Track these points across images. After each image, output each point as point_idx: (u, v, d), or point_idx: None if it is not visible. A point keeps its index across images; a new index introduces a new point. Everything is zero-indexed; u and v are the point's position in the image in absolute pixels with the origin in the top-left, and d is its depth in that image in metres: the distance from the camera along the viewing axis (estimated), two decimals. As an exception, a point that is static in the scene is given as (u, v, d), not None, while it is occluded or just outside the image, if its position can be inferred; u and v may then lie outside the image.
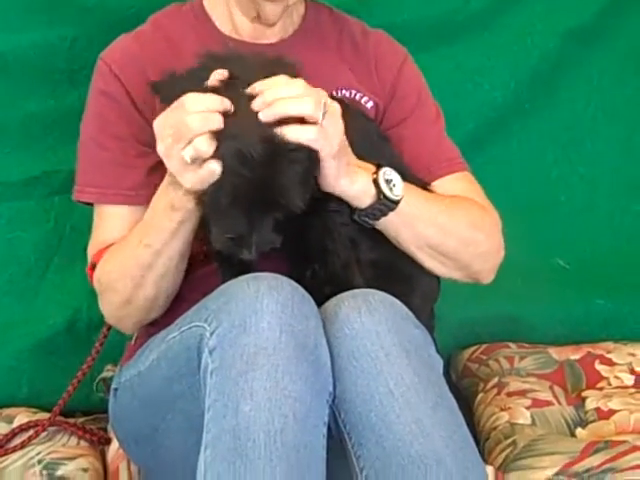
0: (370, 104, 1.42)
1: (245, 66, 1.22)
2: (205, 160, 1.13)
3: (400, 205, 1.28)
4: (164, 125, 1.17)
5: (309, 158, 1.16)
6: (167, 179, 1.23)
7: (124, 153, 1.35)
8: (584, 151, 1.84)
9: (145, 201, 1.32)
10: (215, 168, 1.13)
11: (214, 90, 1.17)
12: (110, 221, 1.37)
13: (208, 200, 1.17)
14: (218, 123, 1.13)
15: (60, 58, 1.64)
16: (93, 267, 1.37)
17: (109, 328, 1.47)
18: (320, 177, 1.21)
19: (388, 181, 1.27)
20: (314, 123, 1.15)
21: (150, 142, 1.22)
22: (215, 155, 1.13)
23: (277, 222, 1.17)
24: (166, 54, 1.37)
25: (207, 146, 1.13)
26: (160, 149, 1.18)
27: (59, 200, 1.67)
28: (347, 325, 1.17)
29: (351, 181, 1.24)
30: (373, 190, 1.26)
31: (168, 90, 1.21)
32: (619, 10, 1.80)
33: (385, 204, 1.27)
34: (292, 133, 1.14)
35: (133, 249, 1.30)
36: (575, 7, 1.78)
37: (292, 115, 1.14)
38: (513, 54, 1.78)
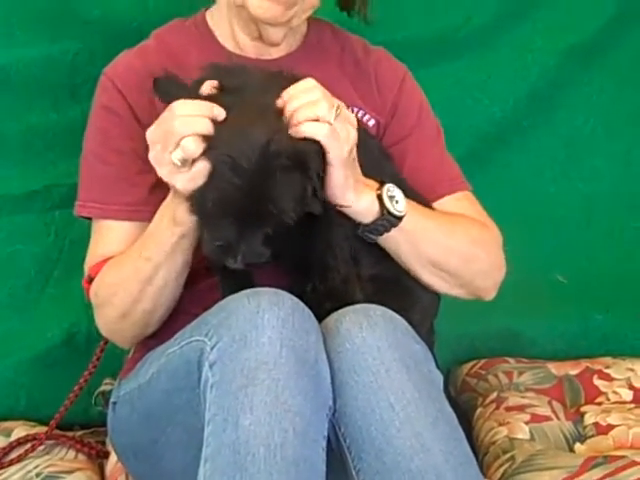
0: (372, 122, 1.43)
1: (247, 77, 1.23)
2: (195, 161, 1.14)
3: (402, 222, 1.28)
4: (154, 132, 1.19)
5: (304, 170, 1.16)
6: (171, 194, 1.24)
7: (126, 168, 1.36)
8: (583, 167, 1.85)
9: (146, 218, 1.32)
10: (204, 166, 1.14)
11: (209, 98, 1.18)
12: (109, 235, 1.38)
13: (198, 206, 1.17)
14: (206, 126, 1.14)
15: (62, 72, 1.65)
16: (90, 280, 1.37)
17: (107, 342, 1.47)
18: (327, 186, 1.22)
19: (391, 197, 1.28)
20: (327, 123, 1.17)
21: None
22: (205, 157, 1.14)
23: (268, 236, 1.17)
24: (169, 69, 1.38)
25: (195, 146, 1.14)
26: (151, 156, 1.19)
27: (60, 214, 1.67)
28: (348, 340, 1.17)
29: (357, 196, 1.25)
30: (377, 206, 1.27)
31: (167, 91, 1.23)
32: (619, 28, 1.81)
33: (388, 220, 1.28)
34: (307, 127, 1.16)
35: (133, 262, 1.30)
36: (575, 25, 1.79)
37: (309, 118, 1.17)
38: (513, 71, 1.79)
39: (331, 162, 1.19)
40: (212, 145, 1.14)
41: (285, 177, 1.15)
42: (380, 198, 1.27)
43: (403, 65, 1.48)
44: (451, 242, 1.36)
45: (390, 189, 1.28)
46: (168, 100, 1.19)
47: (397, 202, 1.28)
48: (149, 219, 1.32)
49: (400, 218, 1.28)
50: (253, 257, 1.18)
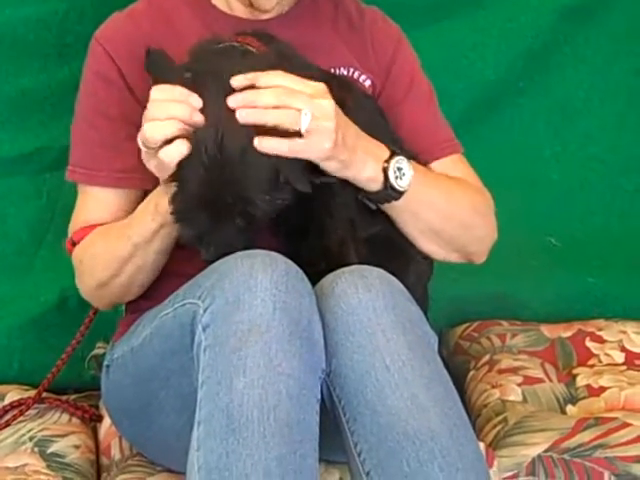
0: (368, 82, 1.41)
1: (232, 62, 1.21)
2: (160, 147, 1.14)
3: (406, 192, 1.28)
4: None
5: (278, 161, 1.14)
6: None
7: (115, 134, 1.35)
8: (577, 130, 1.84)
9: (133, 185, 1.34)
10: (168, 153, 1.14)
11: (191, 82, 1.17)
12: (95, 203, 1.38)
13: (173, 195, 1.17)
14: (181, 111, 1.13)
15: (51, 32, 1.62)
16: (72, 244, 1.38)
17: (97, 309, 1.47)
18: (324, 170, 1.22)
19: (398, 169, 1.27)
20: (295, 134, 1.15)
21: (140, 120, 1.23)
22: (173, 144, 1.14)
23: (241, 226, 1.16)
24: (161, 31, 1.36)
25: (153, 132, 1.14)
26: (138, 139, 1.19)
27: (51, 177, 1.66)
28: (344, 300, 1.17)
29: (357, 171, 1.24)
30: (381, 178, 1.26)
31: (158, 66, 1.22)
32: (614, -11, 1.80)
33: (391, 194, 1.27)
34: (266, 144, 1.14)
35: (116, 238, 1.32)
36: (570, -15, 1.78)
37: (269, 125, 1.14)
38: (507, 32, 1.77)
39: (316, 162, 1.19)
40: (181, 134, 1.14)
41: (250, 166, 1.14)
42: (385, 171, 1.26)
43: (397, 26, 1.46)
44: (453, 210, 1.36)
45: (399, 161, 1.27)
46: (157, 76, 1.19)
47: (404, 175, 1.27)
48: (137, 186, 1.33)
49: (403, 192, 1.27)
50: (225, 248, 1.17)
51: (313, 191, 1.19)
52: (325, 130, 1.17)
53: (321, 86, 1.19)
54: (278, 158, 1.15)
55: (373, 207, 1.30)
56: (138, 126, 1.23)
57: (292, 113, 1.15)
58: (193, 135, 1.14)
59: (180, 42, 1.28)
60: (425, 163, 1.38)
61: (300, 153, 1.16)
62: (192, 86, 1.16)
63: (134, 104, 1.33)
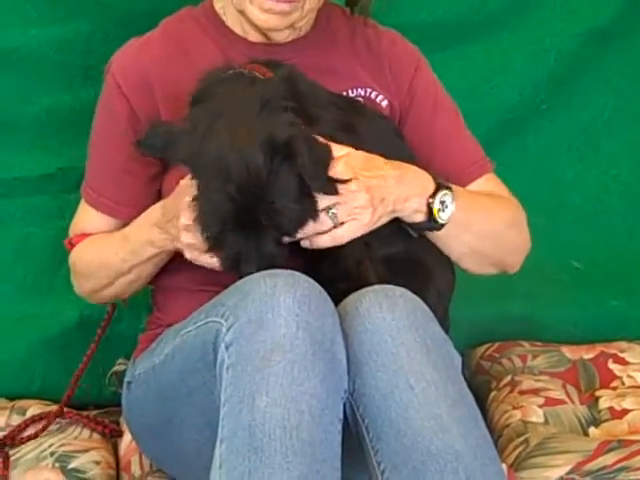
0: (385, 102, 1.42)
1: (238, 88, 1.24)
2: None
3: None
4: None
5: (293, 160, 1.16)
6: (158, 218, 1.29)
7: (115, 166, 1.39)
8: (600, 153, 1.83)
9: (126, 217, 1.40)
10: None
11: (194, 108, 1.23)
12: (92, 221, 1.44)
13: (201, 228, 1.19)
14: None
15: (75, 53, 1.64)
16: (70, 245, 1.45)
17: (110, 317, 1.51)
18: None
19: (442, 202, 1.29)
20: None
21: (148, 161, 1.32)
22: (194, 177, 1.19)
23: (277, 237, 1.19)
24: (176, 59, 1.38)
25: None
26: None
27: (74, 197, 1.66)
28: (368, 320, 1.17)
29: (401, 210, 1.27)
30: (425, 213, 1.28)
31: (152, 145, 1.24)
32: (638, 12, 1.79)
33: (433, 225, 1.30)
34: (314, 243, 1.23)
35: (108, 256, 1.38)
36: (594, 8, 1.77)
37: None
38: (531, 54, 1.78)
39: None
40: (197, 164, 1.17)
41: (274, 174, 1.15)
42: (430, 206, 1.28)
43: (416, 48, 1.47)
44: (491, 228, 1.38)
45: (443, 196, 1.29)
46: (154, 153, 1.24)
47: (446, 207, 1.29)
48: (128, 218, 1.38)
49: (444, 224, 1.30)
50: (268, 260, 1.19)
51: None
52: (359, 215, 1.22)
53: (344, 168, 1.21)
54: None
55: (415, 235, 1.32)
56: (137, 160, 1.31)
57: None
58: (211, 164, 1.16)
59: (195, 69, 1.30)
60: (462, 184, 1.39)
61: (344, 238, 1.22)
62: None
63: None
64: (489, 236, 1.38)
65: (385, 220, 1.26)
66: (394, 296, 1.19)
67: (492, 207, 1.39)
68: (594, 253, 1.84)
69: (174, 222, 1.25)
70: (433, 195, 1.28)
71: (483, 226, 1.37)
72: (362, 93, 1.41)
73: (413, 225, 1.30)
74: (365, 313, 1.18)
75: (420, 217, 1.29)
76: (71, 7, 1.63)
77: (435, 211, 1.28)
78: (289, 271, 1.18)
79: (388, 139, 1.36)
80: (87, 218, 1.44)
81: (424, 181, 1.29)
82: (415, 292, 1.23)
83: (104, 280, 1.40)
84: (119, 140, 1.37)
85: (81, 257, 1.43)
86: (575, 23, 1.78)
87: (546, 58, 1.78)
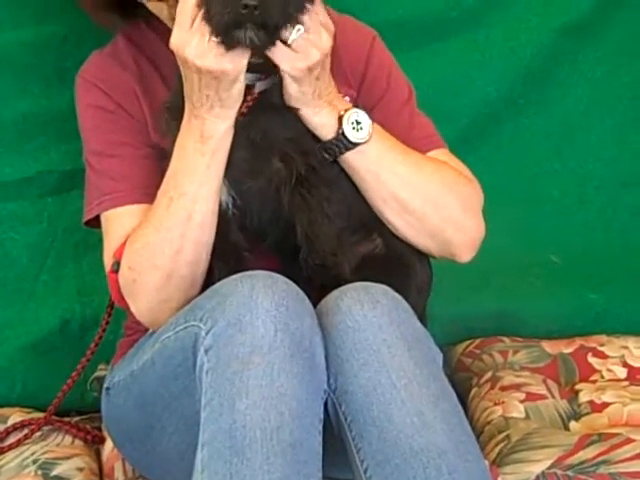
0: (346, 99, 1.40)
1: None
2: None
3: (364, 147, 1.28)
4: None
5: None
6: (186, 117, 1.23)
7: (131, 154, 1.34)
8: (577, 146, 1.84)
9: (153, 201, 1.29)
10: None
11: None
12: (123, 219, 1.33)
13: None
14: None
15: (51, 56, 1.63)
16: (116, 268, 1.30)
17: (104, 329, 1.46)
18: (284, 90, 1.23)
19: (356, 122, 1.27)
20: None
21: (149, 142, 1.28)
22: None
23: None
24: (144, 66, 1.38)
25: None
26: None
27: (52, 201, 1.66)
28: (349, 317, 1.17)
29: (313, 112, 1.26)
30: (335, 126, 1.27)
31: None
32: (612, 6, 1.80)
33: (342, 142, 1.27)
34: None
35: (165, 209, 1.25)
36: (569, 3, 1.78)
37: None
38: (507, 50, 1.78)
39: (282, 74, 1.21)
40: None
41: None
42: (340, 119, 1.27)
43: (371, 30, 1.44)
44: (418, 179, 1.32)
45: (358, 114, 1.28)
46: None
47: (361, 128, 1.28)
48: (151, 202, 1.29)
49: (355, 143, 1.27)
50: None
51: (299, 206, 1.23)
52: (306, 54, 1.20)
53: (332, 29, 1.21)
54: None
55: (330, 159, 1.29)
56: (146, 145, 1.27)
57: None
58: None
59: (161, 74, 1.32)
60: None
61: (278, 58, 1.19)
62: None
63: (135, 126, 1.34)
64: (417, 189, 1.32)
65: (308, 91, 1.23)
66: (375, 293, 1.19)
67: (424, 162, 1.34)
68: (572, 247, 1.85)
69: (198, 96, 1.19)
70: (346, 111, 1.27)
71: (412, 175, 1.32)
72: None
73: (325, 144, 1.27)
74: (346, 310, 1.17)
75: (329, 133, 1.27)
76: (45, 10, 1.62)
77: (346, 127, 1.26)
78: (267, 272, 1.18)
79: None
80: (116, 225, 1.33)
81: (343, 103, 1.29)
82: (397, 290, 1.23)
83: (172, 241, 1.24)
84: (124, 131, 1.34)
85: (134, 248, 1.27)
86: (550, 18, 1.79)
87: (522, 53, 1.79)
